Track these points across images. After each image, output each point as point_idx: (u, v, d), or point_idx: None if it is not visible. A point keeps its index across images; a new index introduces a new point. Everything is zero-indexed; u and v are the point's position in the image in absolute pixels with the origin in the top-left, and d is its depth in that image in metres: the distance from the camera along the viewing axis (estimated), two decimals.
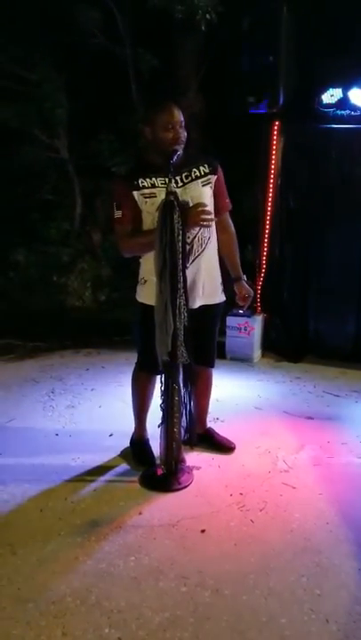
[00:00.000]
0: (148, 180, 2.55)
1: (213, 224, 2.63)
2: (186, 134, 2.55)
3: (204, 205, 2.49)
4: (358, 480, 2.78)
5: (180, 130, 2.51)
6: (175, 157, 2.45)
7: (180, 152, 2.49)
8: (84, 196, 5.70)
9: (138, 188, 2.55)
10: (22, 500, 2.59)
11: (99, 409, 3.63)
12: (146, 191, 2.55)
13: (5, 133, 5.19)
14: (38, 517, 2.46)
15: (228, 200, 2.76)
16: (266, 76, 4.38)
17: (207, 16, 4.18)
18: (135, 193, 2.56)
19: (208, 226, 2.54)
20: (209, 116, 5.03)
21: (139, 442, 3.00)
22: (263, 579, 2.08)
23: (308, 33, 4.32)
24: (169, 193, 2.41)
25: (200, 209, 2.46)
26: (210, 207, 2.59)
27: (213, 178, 2.63)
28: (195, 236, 2.56)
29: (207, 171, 2.60)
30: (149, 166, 2.57)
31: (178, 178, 2.54)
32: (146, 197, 2.55)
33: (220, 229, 2.75)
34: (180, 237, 2.45)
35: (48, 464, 2.91)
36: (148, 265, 2.64)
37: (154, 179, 2.54)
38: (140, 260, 2.75)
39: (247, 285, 2.93)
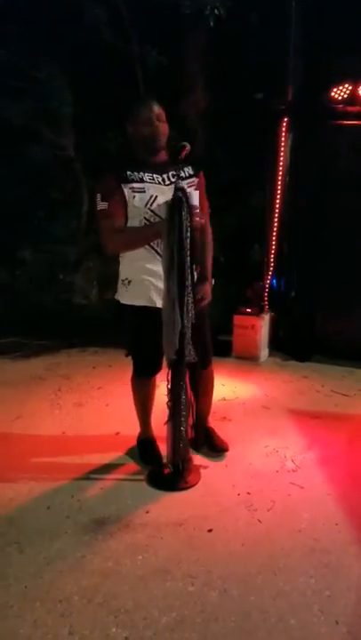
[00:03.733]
0: (136, 173, 2.50)
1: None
2: (166, 128, 2.54)
3: (197, 207, 2.49)
4: None
5: (160, 124, 2.51)
6: (184, 153, 2.43)
7: (188, 148, 2.47)
8: (91, 194, 5.68)
9: (127, 182, 2.49)
10: (29, 497, 2.58)
11: (105, 407, 3.62)
12: (135, 185, 2.49)
13: (12, 132, 5.17)
14: (45, 515, 2.46)
15: (207, 204, 2.74)
16: (274, 72, 4.35)
17: (216, 12, 4.15)
18: (124, 186, 2.48)
19: (200, 227, 2.51)
20: (216, 113, 5.00)
21: (145, 441, 2.99)
22: (272, 579, 2.06)
23: (317, 28, 4.28)
24: (177, 189, 2.39)
25: (196, 210, 2.46)
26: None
27: (196, 180, 2.63)
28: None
29: (191, 172, 2.61)
30: (136, 162, 2.55)
31: (165, 176, 2.53)
32: (135, 192, 2.49)
33: (202, 231, 2.63)
34: (189, 234, 2.43)
35: (54, 462, 2.91)
36: (130, 264, 2.64)
37: (142, 173, 2.51)
38: (121, 260, 2.70)
39: (207, 289, 2.74)
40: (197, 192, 2.62)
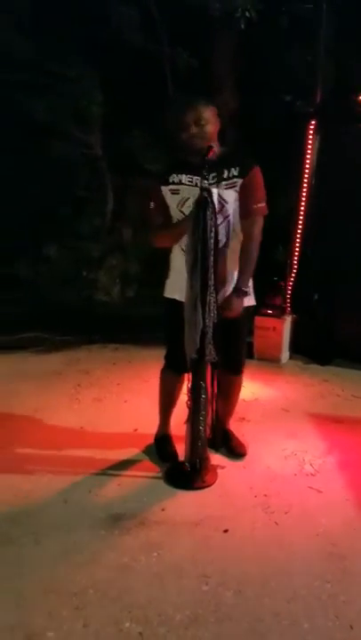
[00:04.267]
0: (177, 176, 2.57)
1: (235, 232, 2.59)
2: (210, 131, 2.52)
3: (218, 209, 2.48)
4: None
5: (198, 128, 2.49)
6: (210, 154, 2.43)
7: (215, 149, 2.47)
8: (116, 193, 5.72)
9: (167, 183, 2.59)
10: (46, 490, 2.60)
11: (124, 403, 3.63)
12: (173, 187, 2.58)
13: (40, 129, 5.23)
14: (62, 508, 2.48)
15: (255, 206, 2.58)
16: (304, 74, 4.33)
17: (246, 14, 4.15)
18: (163, 188, 2.61)
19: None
20: (245, 115, 5.00)
21: (162, 438, 2.99)
22: (286, 582, 2.05)
23: (349, 31, 4.25)
24: (203, 189, 2.40)
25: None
26: (232, 211, 2.55)
27: (240, 181, 2.54)
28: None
29: (236, 173, 2.53)
30: (180, 163, 2.58)
31: (206, 178, 2.51)
32: (172, 193, 2.58)
33: (243, 235, 2.63)
34: (213, 234, 2.43)
35: (72, 456, 2.93)
36: (171, 259, 2.71)
37: (182, 175, 2.55)
38: (170, 255, 2.75)
39: (235, 303, 2.61)
40: (235, 193, 2.54)
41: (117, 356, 4.58)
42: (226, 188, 2.53)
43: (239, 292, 2.61)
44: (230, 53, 5.10)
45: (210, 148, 2.45)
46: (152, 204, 2.67)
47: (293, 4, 4.50)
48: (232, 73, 5.12)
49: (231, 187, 2.54)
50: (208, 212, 2.40)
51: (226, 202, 2.54)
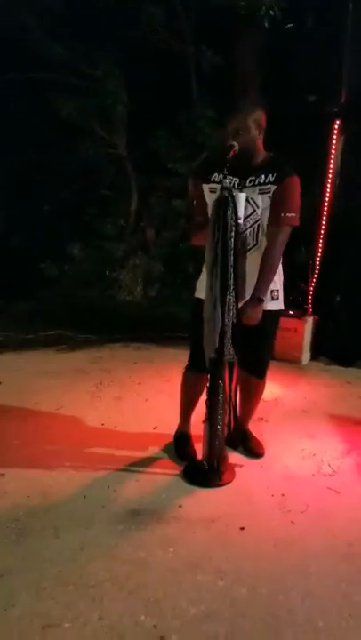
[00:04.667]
0: (217, 174, 2.58)
1: (264, 237, 2.59)
2: (247, 139, 2.53)
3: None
4: None
5: (241, 136, 2.51)
6: (231, 154, 2.45)
7: (236, 148, 2.48)
8: (140, 193, 5.77)
9: (207, 182, 2.63)
10: (67, 485, 2.65)
11: (144, 402, 3.67)
12: (212, 185, 2.59)
13: (66, 129, 5.31)
14: (82, 503, 2.52)
15: (283, 214, 2.53)
16: (328, 74, 4.31)
17: (271, 12, 4.15)
18: (204, 185, 2.64)
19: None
20: (270, 115, 4.98)
21: (181, 436, 3.01)
22: (302, 581, 2.05)
23: None
24: (223, 189, 2.42)
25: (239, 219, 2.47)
26: (262, 215, 2.56)
27: (273, 188, 2.53)
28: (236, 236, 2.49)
29: (272, 179, 2.53)
30: (225, 164, 2.54)
31: (243, 182, 2.56)
32: (210, 191, 2.60)
33: (266, 242, 2.62)
34: (233, 234, 2.45)
35: (93, 452, 2.97)
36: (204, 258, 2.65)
37: (223, 175, 2.51)
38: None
39: (251, 310, 2.56)
40: (268, 199, 2.53)
41: (139, 355, 4.62)
42: (260, 193, 2.54)
43: (255, 299, 2.57)
44: (256, 53, 5.09)
45: (231, 147, 2.47)
46: (193, 202, 2.71)
47: (319, 3, 4.48)
48: (257, 72, 5.12)
49: (265, 192, 2.54)
50: (228, 212, 2.42)
51: (257, 206, 2.55)
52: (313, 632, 1.83)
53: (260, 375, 2.88)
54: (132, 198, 5.79)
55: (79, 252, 5.77)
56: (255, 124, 2.56)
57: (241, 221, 2.50)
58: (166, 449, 3.00)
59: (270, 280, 2.61)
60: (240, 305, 2.52)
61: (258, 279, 2.57)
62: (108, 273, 5.74)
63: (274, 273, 2.62)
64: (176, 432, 3.06)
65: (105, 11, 4.90)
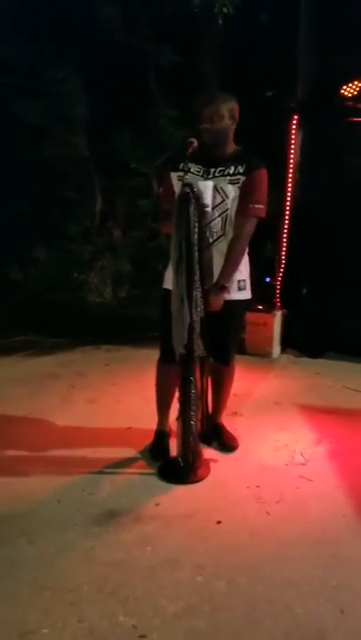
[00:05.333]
0: (186, 163, 2.58)
1: (231, 227, 2.60)
2: (222, 127, 2.55)
3: (202, 197, 2.50)
4: None
5: (216, 123, 2.52)
6: (190, 150, 2.47)
7: (195, 144, 2.50)
8: (105, 193, 5.73)
9: (176, 170, 2.62)
10: (40, 491, 2.62)
11: (118, 403, 3.65)
12: (181, 173, 2.58)
13: (27, 131, 5.25)
14: (56, 508, 2.49)
15: (251, 205, 2.57)
16: (285, 69, 4.36)
17: (224, 9, 4.17)
18: (173, 174, 2.64)
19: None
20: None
21: (157, 434, 3.00)
22: (279, 569, 2.07)
23: (327, 26, 4.28)
24: (184, 185, 2.43)
25: (206, 208, 2.50)
26: (231, 205, 2.57)
27: (243, 179, 2.56)
28: (202, 228, 2.53)
29: (241, 171, 2.56)
30: (196, 153, 2.58)
31: (212, 170, 2.57)
32: (179, 179, 2.58)
33: (233, 232, 2.64)
34: (197, 229, 2.46)
35: (66, 456, 2.94)
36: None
37: (193, 164, 2.57)
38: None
39: (214, 297, 2.59)
40: (237, 190, 2.55)
41: (111, 356, 4.60)
42: (230, 183, 2.56)
43: (219, 287, 2.60)
44: (214, 50, 5.12)
45: (190, 143, 2.48)
46: (160, 189, 2.73)
47: (273, 1, 4.53)
48: (216, 70, 5.15)
49: (235, 182, 2.56)
50: (191, 208, 2.43)
51: (227, 196, 2.56)
52: (292, 619, 1.85)
53: (226, 361, 2.90)
54: (97, 199, 5.75)
55: (45, 255, 5.71)
56: (229, 112, 2.57)
57: (209, 209, 2.52)
58: (141, 449, 2.99)
59: (235, 269, 2.64)
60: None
61: (223, 267, 2.61)
62: (75, 275, 5.69)
63: (239, 262, 2.65)
64: (155, 431, 3.03)
65: (61, 12, 4.86)
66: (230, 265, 2.61)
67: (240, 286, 2.71)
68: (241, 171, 2.56)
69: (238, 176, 2.56)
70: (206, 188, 2.51)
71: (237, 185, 2.56)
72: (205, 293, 2.57)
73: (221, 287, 2.60)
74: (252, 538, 2.26)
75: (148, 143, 5.22)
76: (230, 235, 2.62)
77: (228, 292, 2.64)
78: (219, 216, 2.57)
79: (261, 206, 2.60)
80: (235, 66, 4.96)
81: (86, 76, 5.20)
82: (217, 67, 5.13)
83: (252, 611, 1.89)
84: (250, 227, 2.62)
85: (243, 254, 2.67)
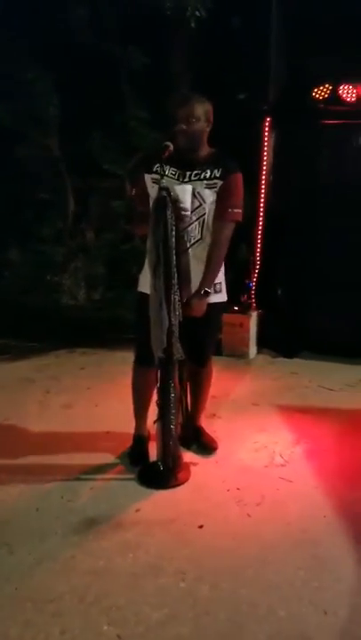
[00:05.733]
0: (161, 166, 2.55)
1: (209, 231, 2.60)
2: (198, 129, 2.53)
3: (180, 201, 2.50)
4: (354, 472, 2.78)
5: (192, 125, 2.51)
6: (166, 154, 2.46)
7: (171, 148, 2.49)
8: (78, 195, 5.68)
9: (150, 172, 2.59)
10: (18, 499, 2.58)
11: (95, 407, 3.62)
12: (155, 176, 2.55)
13: None
14: (35, 517, 2.45)
15: (230, 210, 2.58)
16: (256, 72, 4.39)
17: (196, 13, 4.17)
18: (147, 175, 2.61)
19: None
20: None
21: (135, 439, 2.98)
22: (261, 572, 2.08)
23: (298, 29, 4.32)
24: (161, 188, 2.42)
25: (184, 212, 2.50)
26: (208, 210, 2.56)
27: (220, 183, 2.55)
28: (179, 232, 2.52)
29: (217, 175, 2.55)
30: (171, 155, 2.55)
31: (188, 174, 2.55)
32: (153, 182, 2.56)
33: (211, 237, 2.63)
34: (174, 233, 2.45)
35: (44, 463, 2.90)
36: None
37: (168, 167, 2.54)
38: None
39: (197, 303, 2.60)
40: (214, 194, 2.55)
41: (86, 360, 4.55)
42: (207, 187, 2.54)
43: (202, 293, 2.61)
44: (185, 52, 5.12)
45: (166, 147, 2.47)
46: (133, 191, 2.71)
47: (244, 4, 4.54)
48: (187, 72, 5.15)
49: (211, 187, 2.55)
50: (168, 212, 2.43)
51: (204, 201, 2.55)
52: (276, 622, 1.86)
53: (205, 364, 2.91)
54: (69, 200, 5.69)
55: (17, 257, 5.62)
56: (205, 115, 2.56)
57: (188, 213, 2.52)
58: (120, 453, 2.97)
59: (216, 274, 2.67)
60: (185, 299, 2.56)
61: (205, 273, 2.62)
62: (48, 277, 5.62)
63: (220, 267, 2.68)
64: (133, 435, 3.01)
65: (31, 13, 4.80)
66: (212, 271, 2.63)
67: (216, 289, 2.72)
68: (217, 175, 2.55)
69: (215, 180, 2.55)
70: (185, 192, 2.51)
71: (214, 189, 2.56)
72: (188, 299, 2.58)
73: (205, 293, 2.62)
74: (234, 541, 2.26)
75: (120, 145, 5.19)
76: (208, 239, 2.62)
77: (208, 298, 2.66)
78: (196, 220, 2.57)
79: (239, 210, 2.62)
80: (206, 68, 4.98)
81: (58, 77, 5.15)
82: (189, 69, 5.13)
83: (235, 615, 1.89)
84: (228, 231, 2.63)
85: (223, 259, 2.68)
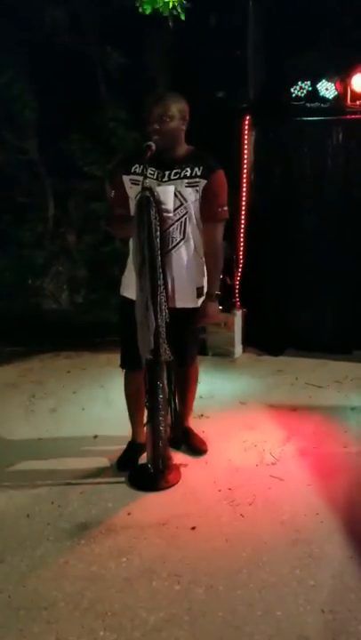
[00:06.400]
0: (140, 167, 2.51)
1: (193, 231, 2.57)
2: (172, 128, 2.49)
3: (163, 202, 2.47)
4: (345, 469, 2.79)
5: (158, 125, 2.46)
6: (148, 154, 2.43)
7: (153, 148, 2.46)
8: (57, 198, 5.63)
9: (129, 173, 2.57)
10: (8, 506, 2.54)
11: (82, 411, 3.58)
12: (133, 177, 2.53)
13: None
14: (26, 523, 2.42)
15: (219, 210, 2.57)
16: (234, 70, 4.39)
17: (174, 12, 4.15)
18: (125, 177, 2.58)
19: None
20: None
21: (128, 445, 2.93)
22: (256, 572, 2.08)
23: (276, 27, 4.34)
24: (144, 189, 2.40)
25: (167, 213, 2.48)
26: (189, 209, 2.53)
27: (202, 182, 2.51)
28: (161, 234, 2.48)
29: (199, 173, 2.51)
30: (144, 164, 2.50)
31: (167, 173, 2.52)
32: (132, 183, 2.54)
33: (204, 241, 2.62)
34: (158, 233, 2.43)
35: (32, 469, 2.86)
36: (130, 256, 2.61)
37: (147, 167, 2.49)
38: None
39: (212, 308, 2.68)
40: (196, 193, 2.51)
41: (71, 363, 4.51)
42: (187, 186, 2.51)
43: (212, 296, 2.66)
44: (163, 52, 5.10)
45: (148, 147, 2.44)
46: (112, 193, 2.70)
47: (221, 2, 4.54)
48: (165, 72, 5.13)
49: (193, 185, 2.52)
50: (152, 212, 2.40)
51: (185, 200, 2.52)
52: (273, 622, 1.85)
53: (190, 363, 2.90)
54: (49, 203, 5.63)
55: None
56: (180, 113, 2.52)
57: (171, 214, 2.50)
58: (109, 457, 2.94)
59: (220, 274, 2.72)
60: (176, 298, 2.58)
61: (209, 277, 2.66)
62: (30, 281, 5.56)
63: (221, 267, 2.72)
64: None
65: (6, 15, 4.74)
66: (217, 272, 2.69)
67: (199, 293, 2.68)
68: (198, 173, 2.52)
69: (197, 179, 2.52)
70: (167, 193, 2.48)
71: (196, 188, 2.52)
72: (201, 307, 2.64)
73: (216, 296, 2.67)
74: (227, 542, 2.25)
75: (99, 146, 5.15)
76: (191, 239, 2.58)
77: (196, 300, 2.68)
78: (177, 220, 2.53)
79: (226, 208, 2.61)
80: (185, 67, 4.97)
81: (35, 79, 5.09)
82: (167, 68, 5.12)
83: (232, 616, 1.88)
84: (221, 231, 2.66)
85: (222, 259, 2.73)
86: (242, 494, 2.56)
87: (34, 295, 5.54)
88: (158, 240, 2.44)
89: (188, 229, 2.57)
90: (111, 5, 4.41)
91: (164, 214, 2.50)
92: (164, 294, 2.50)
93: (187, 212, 2.54)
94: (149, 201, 2.40)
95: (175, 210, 2.52)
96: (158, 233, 2.44)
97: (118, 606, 1.94)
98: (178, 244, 2.57)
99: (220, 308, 4.43)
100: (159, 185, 2.50)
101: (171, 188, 2.50)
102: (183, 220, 2.55)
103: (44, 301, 5.56)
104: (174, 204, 2.51)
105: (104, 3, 4.55)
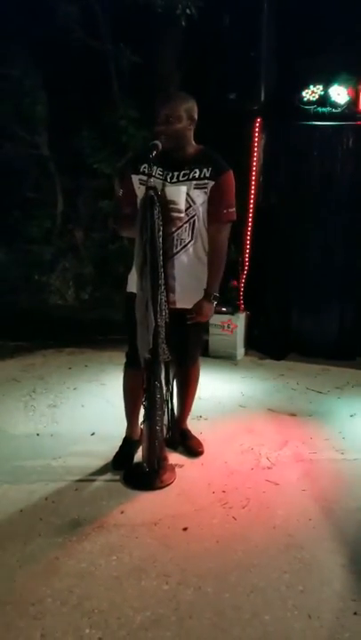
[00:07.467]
0: (148, 166, 2.47)
1: (200, 234, 2.57)
2: (178, 128, 2.48)
3: (174, 203, 2.47)
4: (341, 476, 2.78)
5: (164, 126, 2.46)
6: (154, 152, 2.42)
7: (159, 147, 2.45)
8: (66, 194, 5.64)
9: (137, 172, 2.56)
10: (1, 500, 2.54)
11: (81, 408, 3.59)
12: (142, 177, 2.52)
13: None
14: (18, 518, 2.42)
15: (225, 211, 2.55)
16: (247, 72, 4.39)
17: (187, 11, 4.15)
18: (134, 176, 2.58)
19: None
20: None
21: (123, 441, 2.94)
22: (246, 576, 2.06)
23: (289, 30, 4.33)
24: (149, 188, 2.39)
25: (176, 211, 2.47)
26: (198, 211, 2.52)
27: (211, 183, 2.51)
28: (169, 235, 2.49)
29: (207, 175, 2.50)
30: (163, 155, 2.49)
31: (176, 174, 2.51)
32: (140, 183, 2.53)
33: (208, 241, 2.61)
34: (161, 234, 2.43)
35: (29, 464, 2.87)
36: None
37: (155, 167, 2.47)
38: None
39: (207, 307, 2.63)
40: (204, 195, 2.51)
41: (73, 359, 4.52)
42: (196, 188, 2.50)
43: (210, 296, 2.62)
44: (175, 51, 5.10)
45: (154, 146, 2.43)
46: (120, 192, 2.69)
47: (235, 3, 4.54)
48: (177, 71, 5.12)
49: (201, 187, 2.51)
50: (155, 212, 2.40)
51: (194, 202, 2.51)
52: (260, 626, 1.84)
53: (192, 364, 2.88)
54: (58, 200, 5.65)
55: (5, 257, 5.57)
56: (187, 113, 2.51)
57: (182, 214, 2.49)
58: (106, 455, 2.94)
59: (221, 275, 2.66)
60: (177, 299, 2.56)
61: (210, 279, 2.62)
62: (36, 277, 5.58)
63: (223, 269, 2.67)
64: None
65: (19, 9, 4.75)
66: (218, 273, 2.64)
67: (218, 297, 2.69)
68: (207, 175, 2.50)
69: (205, 180, 2.51)
70: (180, 193, 2.48)
71: (204, 190, 2.51)
72: (196, 304, 2.60)
73: (214, 297, 2.63)
74: (218, 544, 2.24)
75: (109, 144, 5.16)
76: (199, 240, 2.58)
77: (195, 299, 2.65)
78: (186, 222, 2.53)
79: (233, 209, 2.59)
80: (197, 67, 4.96)
81: (47, 75, 5.11)
82: (179, 67, 5.11)
83: (219, 619, 1.87)
84: (226, 232, 2.63)
85: (224, 261, 2.68)
86: (236, 497, 2.55)
87: (40, 291, 5.56)
88: (161, 240, 2.43)
89: (197, 231, 2.57)
90: (125, 2, 4.41)
91: (175, 214, 2.50)
92: (165, 295, 2.49)
93: (195, 214, 2.54)
94: (153, 201, 2.39)
95: (185, 210, 2.52)
96: (161, 233, 2.43)
97: (106, 604, 1.93)
98: (186, 245, 2.57)
99: (224, 310, 4.47)
100: (169, 185, 2.49)
101: (183, 189, 2.49)
102: (192, 221, 2.55)
103: (49, 297, 5.59)
104: (184, 205, 2.51)
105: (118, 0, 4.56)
